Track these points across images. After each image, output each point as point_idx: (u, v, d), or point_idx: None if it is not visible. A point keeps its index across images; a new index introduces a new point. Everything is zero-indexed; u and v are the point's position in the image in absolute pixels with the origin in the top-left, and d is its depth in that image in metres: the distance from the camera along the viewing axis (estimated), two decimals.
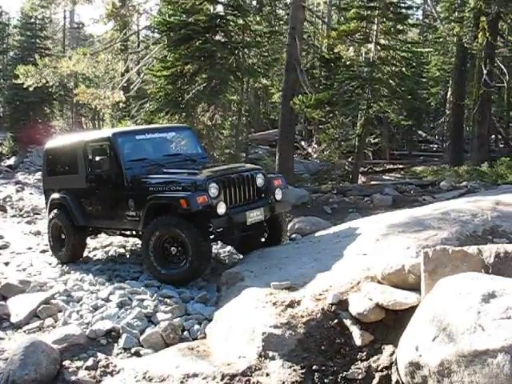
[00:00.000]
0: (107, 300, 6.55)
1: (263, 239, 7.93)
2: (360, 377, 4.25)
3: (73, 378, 4.98)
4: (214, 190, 6.81)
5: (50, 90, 23.70)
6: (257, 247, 7.69)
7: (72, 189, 8.51)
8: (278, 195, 7.48)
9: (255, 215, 7.11)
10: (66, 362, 5.21)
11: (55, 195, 8.83)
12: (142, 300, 6.36)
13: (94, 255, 9.11)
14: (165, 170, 7.58)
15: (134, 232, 8.16)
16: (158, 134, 8.59)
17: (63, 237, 8.66)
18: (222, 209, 6.77)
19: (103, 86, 18.79)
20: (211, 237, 7.13)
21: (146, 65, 16.48)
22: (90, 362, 5.19)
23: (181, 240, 6.76)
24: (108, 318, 6.01)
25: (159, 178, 7.35)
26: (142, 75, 17.30)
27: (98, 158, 7.67)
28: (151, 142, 8.33)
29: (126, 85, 18.41)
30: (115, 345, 5.58)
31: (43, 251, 9.64)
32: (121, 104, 18.32)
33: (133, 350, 5.45)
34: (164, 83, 13.45)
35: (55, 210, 8.79)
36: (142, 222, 7.27)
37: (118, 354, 5.43)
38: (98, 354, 5.38)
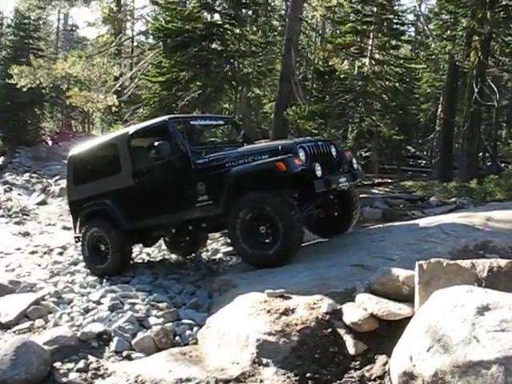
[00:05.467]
0: (98, 303, 6.54)
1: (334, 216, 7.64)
2: None
3: (64, 379, 4.93)
4: (302, 154, 6.49)
5: (42, 91, 23.57)
6: (331, 228, 7.58)
7: (112, 191, 7.87)
8: (356, 164, 7.32)
9: (343, 181, 6.86)
10: (57, 364, 5.16)
11: (89, 203, 8.20)
12: (134, 304, 6.36)
13: None
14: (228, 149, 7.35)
15: (199, 223, 7.37)
16: (209, 121, 8.69)
17: (103, 248, 8.07)
18: (319, 170, 6.39)
19: (95, 89, 18.82)
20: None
21: (140, 70, 16.54)
22: (81, 365, 5.15)
23: (270, 218, 6.34)
24: (99, 320, 5.98)
25: (235, 152, 6.97)
26: (135, 80, 17.34)
27: (156, 144, 7.04)
28: (204, 129, 8.40)
29: (118, 89, 18.44)
30: (106, 348, 5.55)
31: (32, 252, 9.62)
32: (113, 108, 18.30)
33: (124, 354, 5.42)
34: (159, 89, 13.55)
35: (92, 220, 8.16)
36: (222, 202, 6.71)
37: (109, 357, 5.39)
38: (89, 356, 5.33)
